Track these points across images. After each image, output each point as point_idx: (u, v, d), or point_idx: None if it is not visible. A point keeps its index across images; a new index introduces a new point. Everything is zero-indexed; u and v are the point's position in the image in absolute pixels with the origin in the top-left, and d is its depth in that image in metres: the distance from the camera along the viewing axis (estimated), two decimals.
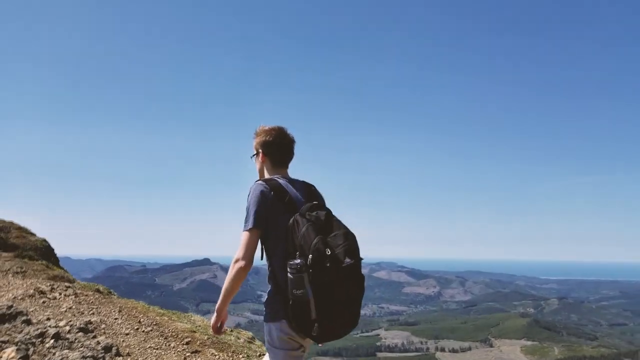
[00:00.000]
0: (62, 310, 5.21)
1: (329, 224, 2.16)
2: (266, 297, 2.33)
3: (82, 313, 5.24)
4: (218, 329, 2.46)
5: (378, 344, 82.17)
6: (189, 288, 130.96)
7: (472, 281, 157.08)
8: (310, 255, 2.03)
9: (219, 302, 2.36)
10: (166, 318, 5.63)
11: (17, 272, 7.23)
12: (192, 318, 6.17)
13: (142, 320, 5.31)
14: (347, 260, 2.04)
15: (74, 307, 5.39)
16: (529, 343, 76.37)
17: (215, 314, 2.42)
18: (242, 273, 2.21)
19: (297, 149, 2.51)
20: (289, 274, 2.07)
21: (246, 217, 2.25)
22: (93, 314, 5.26)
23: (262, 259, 2.29)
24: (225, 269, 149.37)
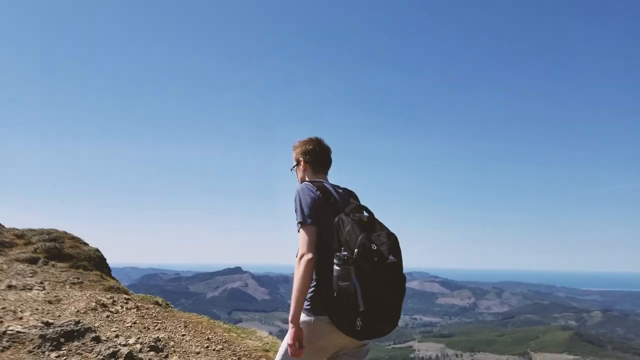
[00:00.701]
0: (127, 325, 4.87)
1: (371, 225, 2.20)
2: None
3: (148, 329, 4.88)
4: (298, 350, 2.13)
5: (412, 356, 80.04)
6: (221, 297, 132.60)
7: (509, 292, 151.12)
8: (356, 250, 2.06)
9: (292, 310, 2.17)
10: (234, 335, 5.21)
11: (74, 283, 7.01)
12: (258, 334, 5.74)
13: (210, 337, 4.91)
14: (391, 257, 2.08)
15: (138, 321, 5.04)
16: (571, 357, 71.92)
17: (292, 327, 2.15)
18: (311, 267, 2.18)
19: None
20: (335, 266, 2.07)
21: (300, 215, 2.25)
22: (159, 329, 4.89)
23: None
24: (256, 278, 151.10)
